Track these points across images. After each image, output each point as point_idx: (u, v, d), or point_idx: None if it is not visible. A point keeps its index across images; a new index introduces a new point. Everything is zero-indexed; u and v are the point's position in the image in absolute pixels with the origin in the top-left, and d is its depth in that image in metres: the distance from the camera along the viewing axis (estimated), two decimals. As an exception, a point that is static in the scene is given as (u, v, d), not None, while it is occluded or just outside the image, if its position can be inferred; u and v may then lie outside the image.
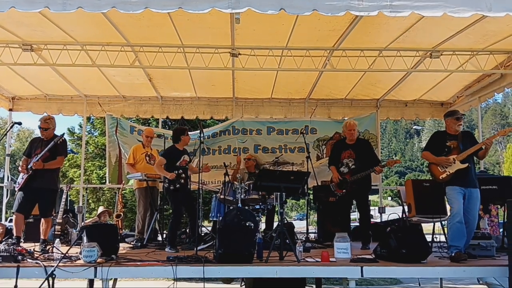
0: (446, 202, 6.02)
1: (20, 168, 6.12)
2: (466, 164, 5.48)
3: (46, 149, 5.97)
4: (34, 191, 6.03)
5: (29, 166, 5.97)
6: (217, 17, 5.92)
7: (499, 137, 5.73)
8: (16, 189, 6.18)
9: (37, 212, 6.29)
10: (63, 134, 6.28)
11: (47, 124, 6.24)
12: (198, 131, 6.69)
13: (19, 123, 6.20)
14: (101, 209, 8.87)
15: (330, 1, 4.47)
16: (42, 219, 6.19)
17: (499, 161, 57.92)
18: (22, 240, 6.26)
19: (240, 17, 4.93)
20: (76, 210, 9.34)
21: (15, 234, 5.96)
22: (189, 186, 6.82)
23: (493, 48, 7.52)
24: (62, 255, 4.87)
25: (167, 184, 6.51)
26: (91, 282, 7.72)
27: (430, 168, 5.81)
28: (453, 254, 5.20)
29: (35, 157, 6.01)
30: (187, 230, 7.59)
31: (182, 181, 6.49)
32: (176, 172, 6.43)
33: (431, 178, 6.17)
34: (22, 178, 6.02)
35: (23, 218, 6.11)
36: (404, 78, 8.97)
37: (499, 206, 7.76)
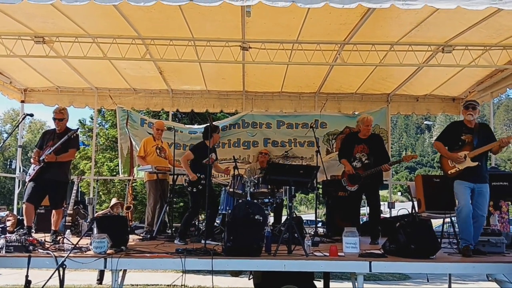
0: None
1: (32, 160, 6.17)
2: (476, 163, 5.42)
3: (59, 142, 6.02)
4: (45, 182, 6.08)
5: (41, 158, 6.02)
6: (228, 10, 5.91)
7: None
8: (27, 180, 6.24)
9: (48, 203, 6.35)
10: (77, 129, 6.36)
11: (62, 114, 6.30)
12: (208, 124, 6.71)
13: (31, 115, 6.24)
14: (114, 201, 8.92)
15: (342, -7, 4.42)
16: (53, 211, 6.25)
17: (510, 158, 57.34)
18: (33, 230, 6.31)
19: (251, 10, 4.90)
20: (86, 202, 9.43)
21: (26, 224, 6.01)
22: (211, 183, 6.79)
23: (507, 43, 7.42)
24: (73, 246, 4.92)
25: (186, 184, 6.55)
26: (101, 273, 7.85)
27: (441, 161, 5.76)
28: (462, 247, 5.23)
29: (47, 149, 6.06)
30: (196, 223, 7.62)
31: (200, 187, 6.39)
32: (199, 175, 6.40)
33: (441, 174, 6.12)
34: (34, 170, 6.07)
35: (33, 208, 6.14)
36: (416, 73, 8.90)
37: (509, 203, 7.68)
